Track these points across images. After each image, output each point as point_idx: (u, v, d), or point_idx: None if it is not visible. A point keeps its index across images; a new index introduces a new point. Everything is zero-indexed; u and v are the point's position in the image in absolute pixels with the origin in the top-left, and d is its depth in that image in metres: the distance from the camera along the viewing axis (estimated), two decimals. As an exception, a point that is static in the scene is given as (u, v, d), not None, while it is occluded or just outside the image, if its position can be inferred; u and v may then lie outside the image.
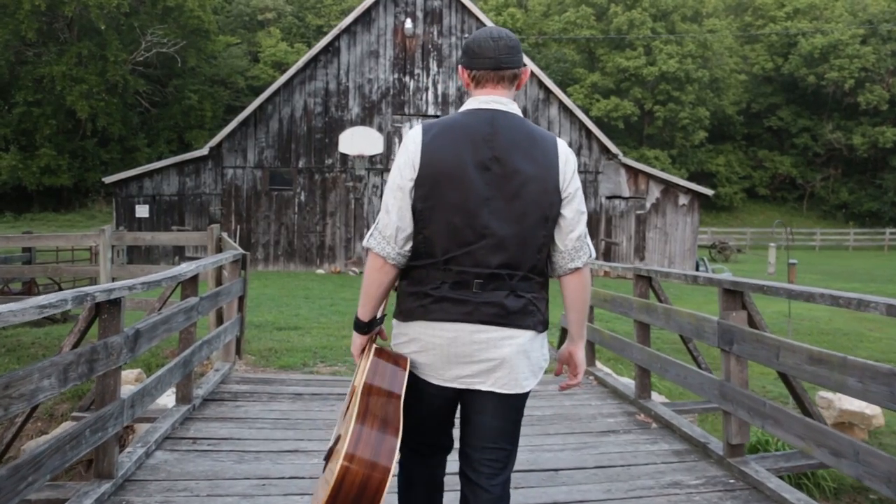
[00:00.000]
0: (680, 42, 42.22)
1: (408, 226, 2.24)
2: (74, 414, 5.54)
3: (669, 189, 21.08)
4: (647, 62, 41.58)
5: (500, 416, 2.33)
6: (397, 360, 2.28)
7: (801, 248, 40.52)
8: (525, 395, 2.36)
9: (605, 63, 43.18)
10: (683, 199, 21.01)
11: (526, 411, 2.49)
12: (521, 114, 2.31)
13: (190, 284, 5.05)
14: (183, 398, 5.06)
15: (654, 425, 5.19)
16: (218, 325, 6.51)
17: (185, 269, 4.88)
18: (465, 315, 2.23)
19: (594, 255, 2.39)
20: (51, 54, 33.91)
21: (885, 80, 44.84)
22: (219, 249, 7.60)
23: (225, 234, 7.07)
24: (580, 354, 2.48)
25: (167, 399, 5.63)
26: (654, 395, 6.06)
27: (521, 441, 2.55)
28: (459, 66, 2.37)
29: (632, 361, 5.94)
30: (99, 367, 3.34)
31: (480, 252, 2.21)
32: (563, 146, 2.32)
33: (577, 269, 2.32)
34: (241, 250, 6.50)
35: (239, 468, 4.02)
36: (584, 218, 2.33)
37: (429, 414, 2.38)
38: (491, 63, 2.27)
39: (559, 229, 2.29)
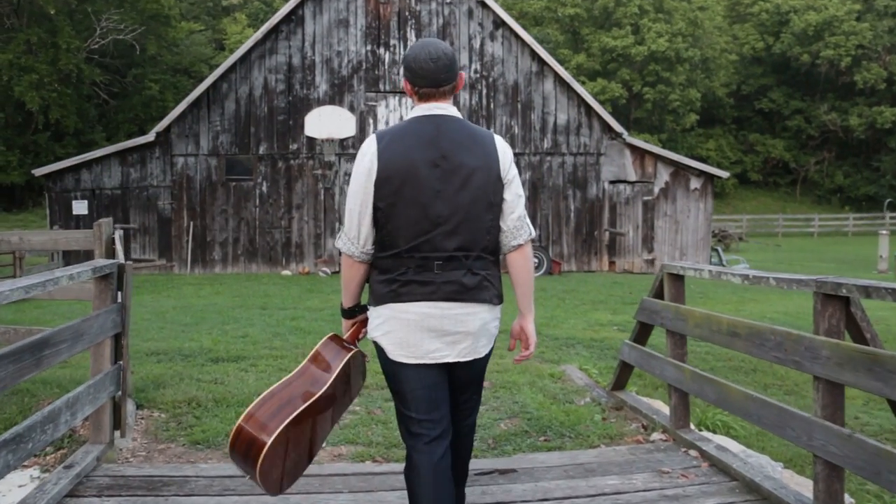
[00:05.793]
0: (669, 20, 39.97)
1: (368, 228, 2.55)
2: None
3: (679, 171, 18.78)
4: (636, 41, 39.32)
5: (466, 376, 2.71)
6: (343, 344, 2.65)
7: (798, 235, 38.60)
8: (485, 358, 2.70)
9: (591, 43, 40.88)
10: (695, 183, 18.73)
11: None
12: (460, 116, 2.61)
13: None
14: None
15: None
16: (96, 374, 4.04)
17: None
18: (429, 294, 2.53)
19: (534, 233, 2.69)
20: (-5, 42, 31.48)
21: (883, 57, 42.93)
22: (112, 255, 5.12)
23: (118, 234, 4.56)
24: (530, 327, 2.76)
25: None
26: (800, 480, 3.72)
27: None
28: (404, 80, 2.62)
29: (795, 444, 3.42)
30: None
31: (437, 238, 2.52)
32: (499, 140, 2.65)
33: (520, 245, 2.64)
34: (118, 259, 4.03)
35: None
36: (523, 201, 2.65)
37: (411, 394, 2.60)
38: (432, 83, 2.56)
39: (502, 212, 2.61)
